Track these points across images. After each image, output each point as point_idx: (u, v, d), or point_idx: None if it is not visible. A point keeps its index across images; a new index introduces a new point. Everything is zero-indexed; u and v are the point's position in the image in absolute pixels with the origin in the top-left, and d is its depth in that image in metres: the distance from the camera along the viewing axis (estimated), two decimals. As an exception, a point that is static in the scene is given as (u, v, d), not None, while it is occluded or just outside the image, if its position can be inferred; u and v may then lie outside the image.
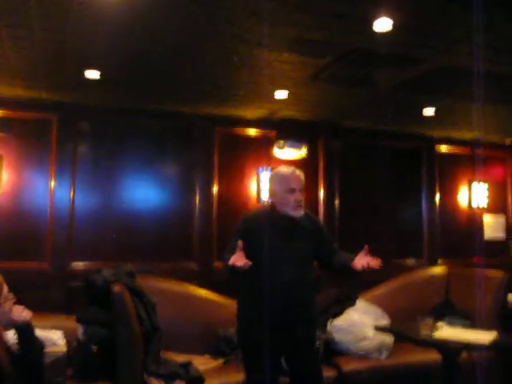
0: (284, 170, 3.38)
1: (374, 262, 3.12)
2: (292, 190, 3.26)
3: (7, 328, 2.66)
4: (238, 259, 3.01)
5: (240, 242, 3.05)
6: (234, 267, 3.02)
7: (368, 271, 3.14)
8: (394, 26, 3.27)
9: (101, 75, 4.20)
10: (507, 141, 6.81)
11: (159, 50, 3.70)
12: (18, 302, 2.74)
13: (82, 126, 5.04)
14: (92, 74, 4.17)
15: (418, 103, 5.11)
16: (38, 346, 2.84)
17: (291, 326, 3.30)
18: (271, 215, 3.34)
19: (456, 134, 6.39)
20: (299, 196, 3.26)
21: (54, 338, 3.86)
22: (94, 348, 3.73)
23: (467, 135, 6.41)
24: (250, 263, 3.00)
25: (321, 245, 3.42)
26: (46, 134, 4.91)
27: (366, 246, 3.18)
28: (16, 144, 4.82)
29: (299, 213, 3.28)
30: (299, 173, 3.35)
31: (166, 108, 5.20)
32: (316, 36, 3.44)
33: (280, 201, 3.30)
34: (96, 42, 3.55)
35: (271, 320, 3.20)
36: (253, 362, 3.32)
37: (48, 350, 3.62)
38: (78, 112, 4.99)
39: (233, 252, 3.09)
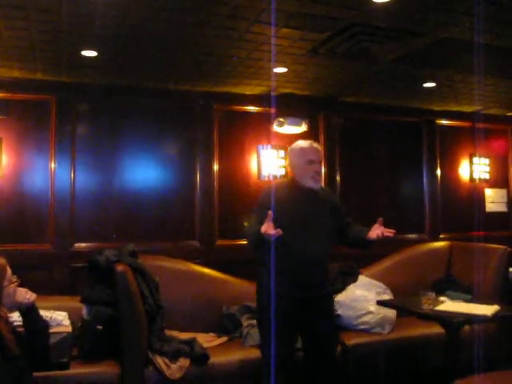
0: (302, 143, 3.55)
1: (388, 232, 3.38)
2: (311, 162, 3.44)
3: (11, 310, 2.68)
4: (270, 228, 3.07)
5: (270, 213, 3.12)
6: (264, 235, 3.08)
7: (381, 241, 3.40)
8: (393, -2, 3.24)
9: (98, 54, 4.17)
10: (508, 114, 6.77)
11: (156, 28, 3.66)
12: (22, 284, 2.74)
13: (80, 106, 5.01)
14: (89, 54, 4.14)
15: (418, 77, 5.07)
16: (43, 326, 2.85)
17: (314, 299, 3.43)
18: (293, 188, 3.51)
19: (457, 108, 6.36)
20: (318, 167, 3.47)
21: (58, 318, 3.89)
22: (99, 328, 3.76)
23: (468, 109, 6.38)
24: (281, 232, 3.07)
25: (338, 218, 3.57)
26: (44, 115, 4.89)
27: (380, 218, 3.42)
28: (15, 126, 4.80)
29: (318, 184, 3.50)
30: (317, 145, 3.56)
31: (165, 86, 5.17)
32: (315, 10, 3.40)
33: (300, 173, 3.48)
34: (92, 21, 3.51)
35: (296, 293, 3.35)
36: (276, 336, 3.33)
37: (53, 330, 3.63)
38: (76, 92, 4.96)
39: (259, 224, 3.16)
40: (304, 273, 3.38)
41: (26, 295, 2.69)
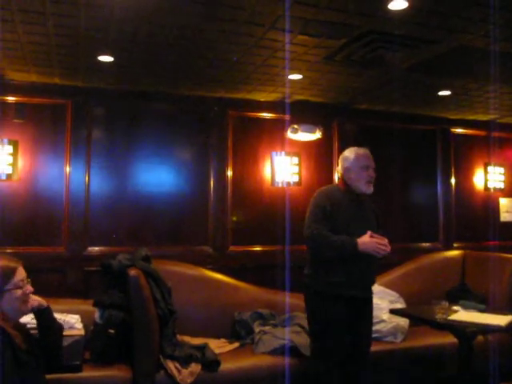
0: (358, 149, 3.70)
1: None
2: (367, 167, 3.61)
3: (15, 316, 2.64)
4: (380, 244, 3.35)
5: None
6: (371, 251, 3.35)
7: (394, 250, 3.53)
8: (409, 6, 3.23)
9: (114, 60, 4.20)
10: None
11: (171, 33, 3.68)
12: (34, 286, 2.74)
13: (96, 110, 5.05)
14: (105, 59, 4.18)
15: (433, 85, 5.05)
16: (57, 329, 2.86)
17: (366, 300, 3.62)
18: (345, 193, 3.64)
19: (472, 117, 6.33)
20: (372, 172, 3.62)
21: (71, 321, 3.91)
22: (111, 331, 3.77)
23: (483, 117, 6.34)
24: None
25: (378, 227, 3.67)
26: (60, 119, 4.93)
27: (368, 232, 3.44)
28: (31, 130, 4.85)
29: (370, 189, 3.61)
30: (369, 152, 3.70)
31: (179, 92, 5.19)
32: (331, 17, 3.40)
33: (354, 177, 3.61)
34: (109, 27, 3.54)
35: (353, 293, 3.50)
36: (334, 337, 3.48)
37: (65, 333, 3.63)
38: (92, 97, 5.00)
39: (325, 227, 3.40)
40: (360, 273, 3.50)
41: (34, 303, 2.68)
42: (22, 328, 2.71)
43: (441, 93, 5.28)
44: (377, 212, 3.80)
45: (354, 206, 3.59)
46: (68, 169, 4.90)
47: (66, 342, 3.40)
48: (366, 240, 3.34)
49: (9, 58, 4.20)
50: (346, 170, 3.64)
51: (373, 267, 3.62)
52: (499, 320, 3.62)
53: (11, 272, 2.55)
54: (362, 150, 3.68)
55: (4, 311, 2.52)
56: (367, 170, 3.59)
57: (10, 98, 4.80)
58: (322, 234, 3.40)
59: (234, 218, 5.39)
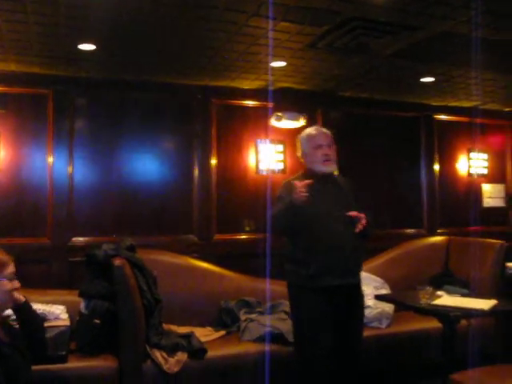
0: (309, 129, 3.56)
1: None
2: (319, 146, 3.41)
3: (3, 309, 2.64)
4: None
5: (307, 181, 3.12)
6: (296, 199, 3.09)
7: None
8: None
9: (95, 48, 4.16)
10: (507, 109, 6.77)
11: (153, 21, 3.65)
12: (19, 277, 2.72)
13: (78, 99, 5.00)
14: (87, 47, 4.13)
15: (416, 72, 5.07)
16: (37, 322, 2.84)
17: (346, 287, 3.35)
18: (308, 178, 3.34)
19: (455, 103, 6.36)
20: (327, 150, 3.40)
21: (56, 312, 3.89)
22: (97, 322, 3.76)
23: (466, 104, 6.38)
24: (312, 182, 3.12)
25: (355, 204, 3.44)
26: (42, 108, 4.88)
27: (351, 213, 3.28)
28: (13, 120, 4.79)
29: (330, 167, 3.43)
30: (326, 130, 3.52)
31: (163, 80, 5.16)
32: (314, 3, 3.39)
33: (310, 159, 3.45)
34: (89, 14, 3.50)
35: (327, 281, 3.28)
36: (313, 334, 3.32)
37: (50, 324, 3.65)
38: (73, 86, 4.95)
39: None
40: (333, 259, 3.29)
41: (17, 299, 2.68)
42: (5, 321, 2.70)
43: (424, 79, 5.30)
44: (354, 191, 3.60)
45: (322, 189, 3.37)
46: (51, 159, 4.86)
47: (50, 333, 3.40)
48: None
49: (-13, 47, 4.15)
50: (302, 154, 3.51)
51: (350, 250, 3.32)
52: (482, 304, 3.66)
53: (3, 264, 2.57)
54: (313, 130, 3.53)
55: None
56: (321, 149, 3.39)
57: (-10, 89, 4.75)
58: (273, 213, 3.31)
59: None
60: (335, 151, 3.48)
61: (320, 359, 3.31)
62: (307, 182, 3.10)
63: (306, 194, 3.07)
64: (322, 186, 3.40)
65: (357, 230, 3.24)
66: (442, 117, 6.53)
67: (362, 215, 3.26)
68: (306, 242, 3.36)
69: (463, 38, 3.98)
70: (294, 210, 3.16)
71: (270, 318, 4.23)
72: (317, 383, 3.33)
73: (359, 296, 3.53)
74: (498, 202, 6.80)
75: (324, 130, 3.54)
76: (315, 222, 3.32)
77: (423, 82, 5.40)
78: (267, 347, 3.93)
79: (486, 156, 6.66)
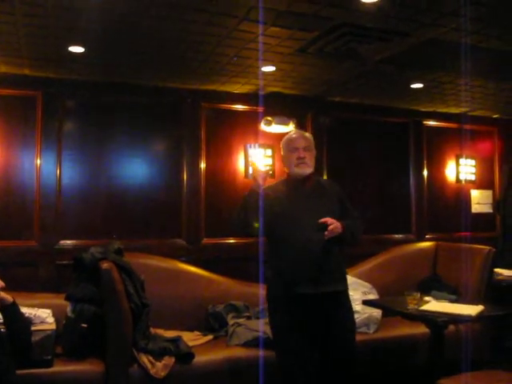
0: (291, 133, 3.55)
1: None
2: (295, 149, 3.36)
3: None
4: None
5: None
6: (254, 188, 3.23)
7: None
8: (381, -2, 3.25)
9: (85, 50, 4.14)
10: (495, 116, 6.81)
11: (144, 24, 3.64)
12: (5, 280, 2.71)
13: (67, 102, 4.98)
14: (76, 49, 4.12)
15: (405, 78, 5.09)
16: (24, 324, 2.83)
17: (318, 297, 3.21)
18: (286, 182, 3.46)
19: (444, 109, 6.40)
20: (301, 153, 3.34)
21: (42, 316, 3.86)
22: (83, 325, 3.73)
23: (455, 110, 6.42)
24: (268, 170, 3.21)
25: (342, 213, 3.37)
26: (31, 111, 4.85)
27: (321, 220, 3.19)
28: (1, 122, 4.75)
29: (303, 170, 3.35)
30: (307, 135, 3.49)
31: (152, 83, 5.15)
32: (304, 9, 3.40)
33: (287, 162, 3.42)
34: (79, 16, 3.48)
35: (298, 290, 3.19)
36: (288, 343, 3.25)
37: (36, 328, 3.62)
38: (63, 88, 4.92)
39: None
40: (302, 267, 3.20)
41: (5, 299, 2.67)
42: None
43: (413, 85, 5.33)
44: (341, 195, 3.49)
45: (296, 194, 3.35)
46: (39, 161, 4.83)
47: (36, 337, 3.37)
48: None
49: (-24, 48, 4.12)
50: (282, 158, 3.50)
51: (321, 257, 3.20)
52: (470, 310, 3.67)
53: None
54: (293, 133, 3.51)
55: None
56: (296, 152, 3.33)
57: (-22, 90, 4.72)
58: (234, 214, 3.37)
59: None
60: (312, 156, 3.41)
61: (294, 368, 3.22)
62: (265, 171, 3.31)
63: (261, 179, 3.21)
64: (298, 191, 3.37)
65: (325, 237, 3.15)
66: (431, 123, 6.56)
67: (333, 221, 3.16)
68: (277, 248, 3.33)
69: (452, 44, 4.01)
70: (249, 198, 3.25)
71: (258, 322, 4.22)
72: None
73: (341, 305, 3.35)
74: (486, 208, 6.84)
75: (305, 134, 3.51)
76: (284, 228, 3.28)
77: (413, 88, 5.42)
78: (260, 352, 3.91)
79: (474, 162, 6.69)
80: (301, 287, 3.19)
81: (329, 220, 3.16)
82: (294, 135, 3.47)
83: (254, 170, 3.22)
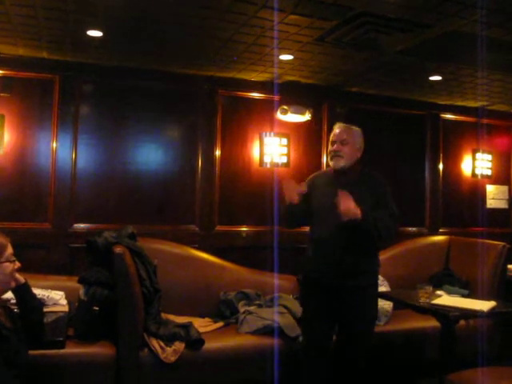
0: (335, 126, 3.62)
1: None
2: (333, 142, 3.51)
3: (4, 289, 2.66)
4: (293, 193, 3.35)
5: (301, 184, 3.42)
6: (288, 202, 3.39)
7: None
8: (403, -11, 3.21)
9: (103, 35, 4.14)
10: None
11: (161, 10, 3.63)
12: (20, 262, 2.74)
13: (84, 86, 4.99)
14: (95, 34, 4.12)
15: (424, 70, 5.04)
16: (37, 304, 2.86)
17: (339, 289, 3.37)
18: (328, 173, 3.67)
19: (462, 103, 6.33)
20: (335, 146, 3.47)
21: (55, 298, 3.89)
22: (96, 309, 3.76)
23: (473, 104, 6.35)
24: (297, 197, 3.33)
25: (373, 208, 3.33)
26: (48, 93, 4.87)
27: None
28: (18, 104, 4.78)
29: (336, 163, 3.47)
30: (346, 127, 3.54)
31: (169, 69, 5.14)
32: (323, -3, 3.38)
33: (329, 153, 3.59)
34: (98, 1, 3.49)
35: (322, 279, 3.40)
36: (309, 323, 3.58)
37: (49, 309, 3.65)
38: (80, 72, 4.94)
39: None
40: (321, 256, 3.39)
41: (18, 280, 2.71)
42: (5, 305, 2.71)
43: (432, 78, 5.27)
44: (379, 190, 3.48)
45: (330, 186, 3.43)
46: (55, 144, 4.86)
47: (49, 318, 3.40)
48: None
49: (-4, 31, 4.13)
50: None
51: (341, 248, 3.30)
52: (481, 305, 3.66)
53: (4, 246, 2.59)
54: (336, 126, 3.57)
55: None
56: (333, 145, 3.49)
57: (-3, 72, 4.74)
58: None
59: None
60: (352, 149, 3.47)
61: (304, 349, 3.58)
62: (297, 184, 3.37)
63: (294, 195, 3.32)
64: (332, 183, 3.46)
65: (340, 218, 3.16)
66: (449, 116, 6.50)
67: (347, 203, 3.14)
68: (309, 236, 3.56)
69: (473, 37, 3.96)
70: (286, 207, 3.44)
71: (269, 311, 4.23)
72: (298, 371, 3.57)
73: (359, 299, 3.38)
74: (502, 204, 6.78)
75: (347, 127, 3.53)
76: (315, 218, 3.49)
77: (431, 81, 5.37)
78: (271, 340, 3.96)
79: (490, 157, 6.63)
80: (318, 276, 3.42)
81: (345, 202, 3.14)
82: (336, 129, 3.55)
83: (286, 188, 3.38)
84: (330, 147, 3.52)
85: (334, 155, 3.46)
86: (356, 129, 3.56)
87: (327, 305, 3.39)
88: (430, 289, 3.84)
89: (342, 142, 3.45)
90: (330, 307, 3.40)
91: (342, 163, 3.44)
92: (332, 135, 3.53)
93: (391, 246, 5.45)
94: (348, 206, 3.13)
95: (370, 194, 3.40)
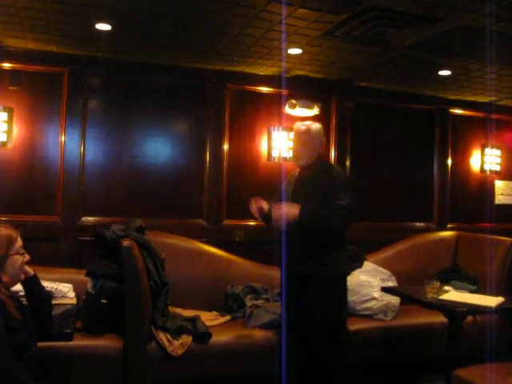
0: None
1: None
2: (293, 143, 3.80)
3: (13, 281, 2.70)
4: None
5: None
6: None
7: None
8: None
9: (112, 28, 4.14)
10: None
11: (171, 3, 3.63)
12: (29, 254, 2.76)
13: (93, 80, 5.00)
14: (103, 27, 4.12)
15: (433, 64, 5.02)
16: (45, 296, 2.89)
17: (297, 275, 3.50)
18: (299, 170, 3.76)
19: (471, 98, 6.29)
20: (295, 147, 3.73)
21: (63, 290, 3.92)
22: (103, 301, 3.77)
23: (482, 99, 6.31)
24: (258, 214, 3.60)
25: (323, 196, 3.44)
26: (56, 87, 4.88)
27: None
28: (27, 97, 4.80)
29: (297, 162, 3.70)
30: (303, 128, 3.67)
31: (178, 63, 5.14)
32: (332, -8, 3.37)
33: None
34: (108, -6, 3.50)
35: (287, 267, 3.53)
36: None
37: (57, 301, 3.68)
38: (89, 65, 4.95)
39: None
40: (291, 247, 3.46)
41: (27, 272, 2.74)
42: (15, 297, 2.73)
43: (441, 72, 5.25)
44: (334, 183, 3.50)
45: (293, 182, 3.69)
46: (63, 138, 4.87)
47: (57, 311, 3.43)
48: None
49: (5, 24, 4.13)
50: None
51: (297, 239, 3.43)
52: (489, 301, 3.65)
53: (13, 240, 2.65)
54: (294, 127, 3.78)
55: (7, 276, 2.60)
56: (293, 146, 3.79)
57: (6, 65, 4.75)
58: None
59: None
60: (309, 147, 3.61)
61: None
62: (263, 202, 3.58)
63: (256, 212, 3.60)
64: (296, 179, 3.71)
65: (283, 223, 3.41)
66: (458, 111, 6.47)
67: (280, 213, 3.39)
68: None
69: (483, 31, 3.93)
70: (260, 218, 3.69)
71: (277, 305, 4.24)
72: None
73: (316, 288, 3.48)
74: (510, 200, 6.75)
75: (305, 127, 3.67)
76: None
77: (440, 75, 5.35)
78: (273, 334, 3.97)
79: (499, 152, 6.60)
80: (283, 264, 3.54)
81: (275, 211, 3.42)
82: (295, 130, 3.75)
83: (251, 206, 3.69)
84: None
85: (295, 155, 3.75)
86: (315, 127, 3.69)
87: (292, 292, 3.56)
88: (438, 284, 3.83)
89: (301, 143, 3.65)
90: (294, 294, 3.55)
91: (301, 162, 3.65)
92: (293, 135, 3.77)
93: (398, 240, 5.45)
94: (279, 213, 3.39)
95: (326, 187, 3.49)
